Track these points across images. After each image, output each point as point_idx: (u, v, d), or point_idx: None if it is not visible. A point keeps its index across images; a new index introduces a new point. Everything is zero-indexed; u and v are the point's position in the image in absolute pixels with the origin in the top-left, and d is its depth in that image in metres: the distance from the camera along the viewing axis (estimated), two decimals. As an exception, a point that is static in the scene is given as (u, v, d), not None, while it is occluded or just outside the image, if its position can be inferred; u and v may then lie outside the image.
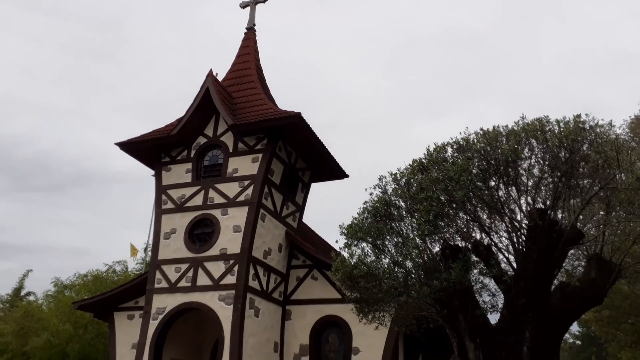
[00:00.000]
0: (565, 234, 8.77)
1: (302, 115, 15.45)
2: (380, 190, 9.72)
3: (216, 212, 15.80)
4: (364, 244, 9.59)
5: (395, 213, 9.44)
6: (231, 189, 15.90)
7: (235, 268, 14.93)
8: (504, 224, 9.22)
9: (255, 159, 16.00)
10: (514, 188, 8.97)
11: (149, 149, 17.23)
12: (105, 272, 24.96)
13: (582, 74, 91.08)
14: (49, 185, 77.20)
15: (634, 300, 17.67)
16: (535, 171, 8.92)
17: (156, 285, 15.67)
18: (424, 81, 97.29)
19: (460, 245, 9.51)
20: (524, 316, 8.88)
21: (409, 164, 9.57)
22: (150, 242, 20.27)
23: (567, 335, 30.60)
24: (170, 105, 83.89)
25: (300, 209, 18.23)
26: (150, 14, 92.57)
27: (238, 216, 15.49)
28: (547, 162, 8.72)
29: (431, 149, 9.50)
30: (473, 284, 9.53)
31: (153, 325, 15.21)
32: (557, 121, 8.66)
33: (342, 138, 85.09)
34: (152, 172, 17.54)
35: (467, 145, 9.06)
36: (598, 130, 8.57)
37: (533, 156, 8.82)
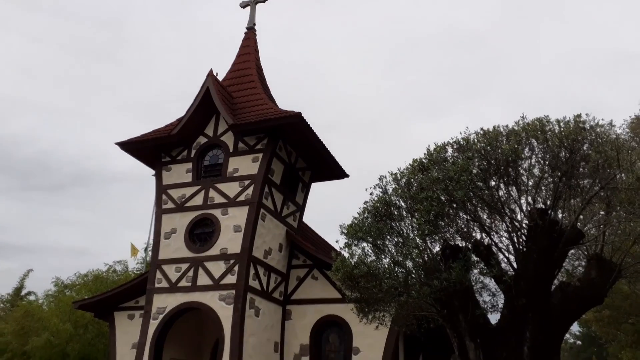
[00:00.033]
0: (566, 233, 8.77)
1: (302, 115, 15.46)
2: (380, 190, 9.72)
3: (216, 212, 15.80)
4: (365, 244, 9.59)
5: (396, 213, 9.43)
6: (231, 188, 15.91)
7: (236, 268, 14.93)
8: (504, 224, 9.22)
9: (255, 159, 16.00)
10: (514, 188, 8.96)
11: (149, 149, 17.23)
12: (105, 272, 24.97)
13: (582, 74, 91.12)
14: (49, 185, 77.29)
15: (635, 300, 17.67)
16: (536, 171, 8.92)
17: (156, 285, 15.67)
18: (424, 81, 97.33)
19: (460, 245, 9.50)
20: (524, 316, 8.88)
21: (409, 164, 9.57)
22: (151, 241, 20.30)
23: (567, 335, 30.63)
24: (170, 105, 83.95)
25: (301, 208, 18.23)
26: (150, 14, 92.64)
27: (238, 216, 15.49)
28: (547, 162, 8.72)
29: (431, 148, 9.50)
30: (473, 283, 9.53)
31: (153, 325, 15.21)
32: (558, 121, 8.65)
33: (342, 138, 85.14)
34: (153, 171, 17.55)
35: (467, 145, 9.06)
36: (598, 130, 8.57)
37: (533, 156, 8.82)
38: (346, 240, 9.70)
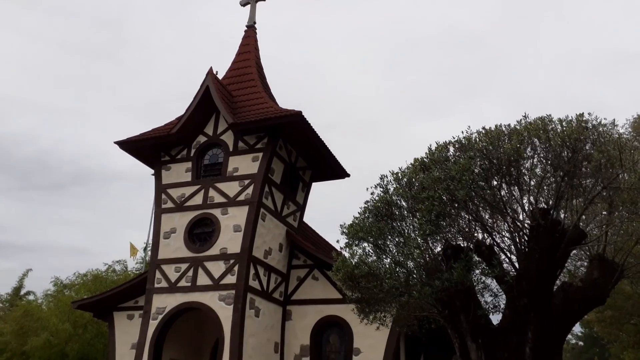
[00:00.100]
0: (568, 234, 8.71)
1: (303, 113, 15.39)
2: (381, 189, 9.66)
3: (216, 212, 15.74)
4: (365, 244, 9.53)
5: (397, 213, 9.37)
6: (231, 188, 15.84)
7: (236, 268, 14.87)
8: (506, 224, 9.16)
9: (255, 158, 15.94)
10: (516, 187, 8.90)
11: (148, 148, 17.17)
12: (104, 272, 24.92)
13: (582, 74, 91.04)
14: (49, 184, 77.28)
15: (637, 301, 17.61)
16: (538, 171, 8.86)
17: (156, 285, 15.61)
18: (424, 81, 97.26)
19: (462, 245, 9.45)
20: (526, 316, 8.83)
21: (411, 163, 9.51)
22: (150, 241, 20.24)
23: (569, 336, 30.53)
24: (170, 104, 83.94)
25: (301, 208, 18.17)
26: (150, 14, 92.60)
27: (238, 215, 15.43)
28: (549, 162, 8.66)
29: (433, 148, 9.44)
30: (475, 284, 9.47)
31: (153, 325, 15.15)
32: (560, 120, 8.59)
33: (343, 138, 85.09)
34: (152, 171, 17.49)
35: (469, 145, 9.00)
36: (601, 129, 8.51)
37: (535, 155, 8.76)
38: (347, 240, 9.65)
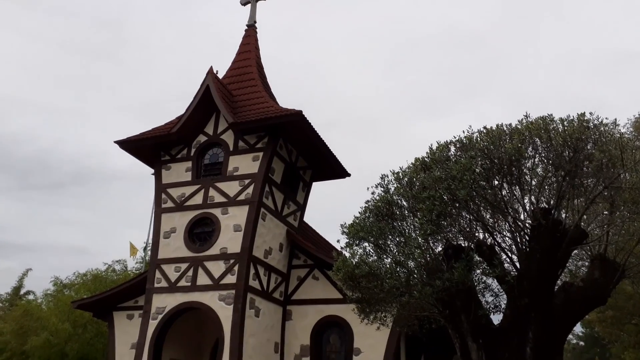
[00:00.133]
0: (569, 233, 8.68)
1: (303, 113, 15.36)
2: (382, 189, 9.62)
3: (216, 211, 15.71)
4: (366, 244, 9.49)
5: (398, 212, 9.34)
6: (231, 187, 15.82)
7: (236, 268, 14.84)
8: (507, 224, 9.13)
9: (255, 158, 15.91)
10: (517, 187, 8.86)
11: (148, 147, 17.15)
12: (104, 272, 24.91)
13: (582, 74, 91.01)
14: (49, 184, 77.27)
15: (638, 301, 17.59)
16: (539, 170, 8.82)
17: (156, 285, 15.58)
18: (424, 81, 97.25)
19: (463, 245, 9.41)
20: (527, 316, 8.79)
21: (412, 163, 9.47)
22: (150, 241, 20.21)
23: (570, 336, 30.49)
24: (170, 104, 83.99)
25: (302, 208, 18.14)
26: (150, 14, 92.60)
27: (238, 215, 15.40)
28: (550, 161, 8.61)
29: (434, 147, 9.40)
30: (476, 284, 9.43)
31: (152, 325, 15.13)
32: (561, 120, 8.55)
33: (343, 138, 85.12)
34: (152, 170, 17.46)
35: (470, 144, 8.95)
36: (602, 129, 8.46)
37: (537, 155, 8.71)
38: (347, 240, 9.61)
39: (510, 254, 9.21)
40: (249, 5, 19.91)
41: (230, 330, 14.22)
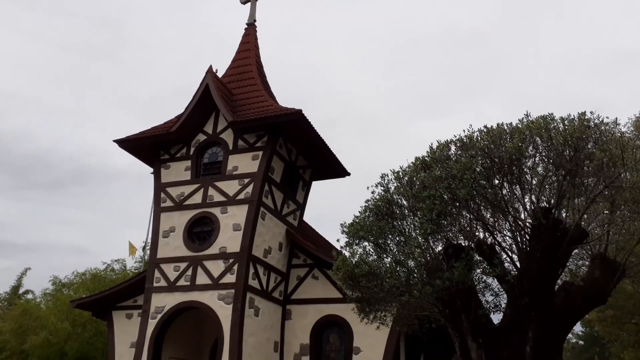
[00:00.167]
0: (570, 233, 8.67)
1: (303, 112, 15.33)
2: (382, 188, 9.61)
3: (216, 211, 15.69)
4: (366, 243, 9.48)
5: (398, 212, 9.32)
6: (231, 187, 15.79)
7: (235, 267, 14.81)
8: (507, 223, 9.12)
9: (255, 157, 15.88)
10: (517, 186, 8.85)
11: (147, 146, 17.11)
12: (103, 271, 24.88)
13: (582, 74, 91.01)
14: (48, 182, 77.22)
15: (638, 300, 17.58)
16: (540, 169, 8.81)
17: (155, 284, 15.56)
18: (424, 81, 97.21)
19: (463, 244, 9.40)
20: (527, 316, 8.78)
21: (412, 162, 9.46)
22: (149, 240, 20.17)
23: (570, 335, 30.57)
24: (171, 103, 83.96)
25: (301, 207, 18.12)
26: (151, 14, 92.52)
27: (238, 214, 15.37)
28: (551, 161, 8.60)
29: (434, 146, 9.38)
30: (476, 283, 9.43)
31: (152, 324, 15.10)
32: (562, 119, 8.54)
33: (343, 137, 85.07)
34: (152, 169, 17.42)
35: (470, 143, 8.94)
36: (603, 128, 8.46)
37: (537, 154, 8.70)
38: (347, 239, 9.60)
39: (510, 254, 9.20)
40: (249, 4, 19.88)
41: (229, 329, 14.20)
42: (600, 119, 8.48)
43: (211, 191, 15.98)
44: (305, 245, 16.70)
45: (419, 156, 9.45)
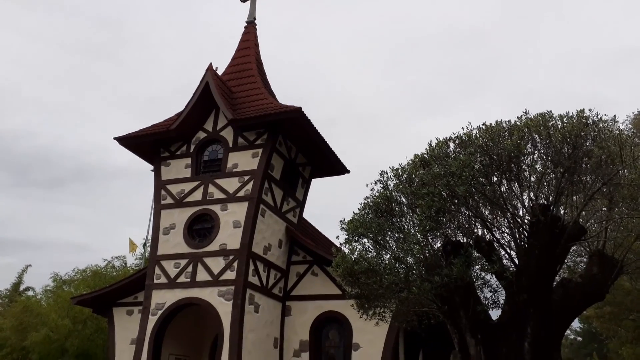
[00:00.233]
0: (568, 230, 8.70)
1: (303, 109, 15.36)
2: (381, 185, 9.64)
3: (216, 208, 15.73)
4: (365, 240, 9.52)
5: (397, 209, 9.36)
6: (231, 184, 15.83)
7: (235, 264, 14.86)
8: (506, 220, 9.16)
9: (255, 154, 15.91)
10: (516, 184, 8.89)
11: (148, 144, 17.14)
12: (104, 268, 24.92)
13: (582, 74, 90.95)
14: (49, 180, 77.24)
15: (636, 297, 17.63)
16: (538, 167, 8.85)
17: (155, 281, 15.61)
18: (424, 81, 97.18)
19: (461, 241, 9.44)
20: (525, 312, 8.83)
21: (411, 159, 9.49)
22: (149, 237, 20.20)
23: (568, 331, 30.61)
24: (171, 102, 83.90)
25: (301, 204, 18.16)
26: (151, 14, 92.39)
27: (238, 211, 15.42)
28: (550, 158, 8.64)
29: (433, 144, 9.42)
30: (474, 279, 9.47)
31: (152, 321, 15.16)
32: (561, 116, 8.57)
33: (343, 137, 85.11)
34: (152, 167, 17.45)
35: (469, 141, 8.97)
36: (601, 125, 8.49)
37: (536, 151, 8.74)
38: (347, 236, 9.64)
39: (509, 250, 9.24)
40: (249, 2, 19.88)
41: (229, 325, 14.26)
42: (599, 117, 8.52)
43: (211, 188, 16.02)
44: (305, 242, 16.76)
45: (417, 153, 9.49)
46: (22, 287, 29.11)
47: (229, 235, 15.26)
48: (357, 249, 9.56)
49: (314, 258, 16.63)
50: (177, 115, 16.92)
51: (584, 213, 9.14)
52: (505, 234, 9.28)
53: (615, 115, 8.62)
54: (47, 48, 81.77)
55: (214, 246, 15.32)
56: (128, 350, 16.42)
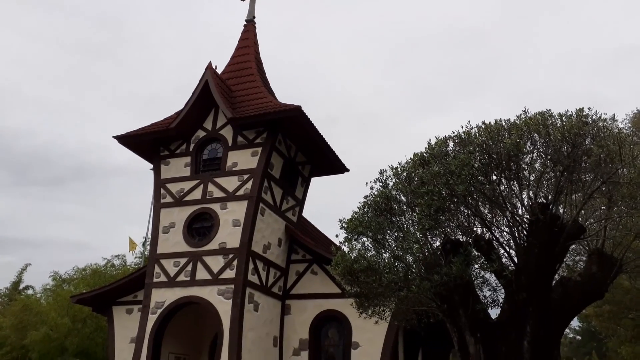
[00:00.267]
0: (567, 228, 8.72)
1: (302, 108, 15.35)
2: (381, 184, 9.66)
3: (215, 206, 15.73)
4: (365, 239, 9.53)
5: (396, 207, 9.37)
6: (230, 182, 15.82)
7: (235, 262, 14.87)
8: (505, 219, 9.17)
9: (254, 153, 15.91)
10: (515, 182, 8.90)
11: (147, 143, 17.13)
12: (103, 266, 24.93)
13: (582, 74, 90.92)
14: (49, 179, 77.21)
15: (635, 295, 17.64)
16: (537, 165, 8.86)
17: (155, 280, 15.61)
18: (424, 80, 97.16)
19: (461, 239, 9.45)
20: (524, 311, 8.84)
21: (410, 158, 9.50)
22: (149, 236, 20.21)
23: (567, 330, 30.64)
24: (171, 101, 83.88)
25: (300, 203, 18.16)
26: (150, 14, 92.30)
27: (237, 210, 15.42)
28: (549, 156, 8.65)
29: (432, 142, 9.42)
30: (474, 278, 9.49)
31: (152, 320, 15.16)
32: (560, 115, 8.57)
33: (343, 136, 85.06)
34: (151, 165, 17.45)
35: (468, 139, 8.98)
36: (600, 124, 8.50)
37: (535, 150, 8.75)
38: (346, 235, 9.65)
39: (508, 249, 9.26)
40: (248, 1, 19.85)
41: (229, 324, 14.27)
42: (598, 115, 8.52)
43: (211, 187, 16.02)
44: (305, 241, 16.76)
45: (417, 152, 9.50)
46: (21, 286, 29.13)
47: (228, 234, 15.26)
48: (357, 248, 9.57)
49: (313, 257, 16.63)
50: (176, 113, 16.92)
51: (583, 212, 9.15)
52: (505, 233, 9.30)
53: (614, 114, 8.64)
54: (47, 48, 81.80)
55: (213, 245, 15.32)
56: (128, 348, 16.43)
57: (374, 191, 9.69)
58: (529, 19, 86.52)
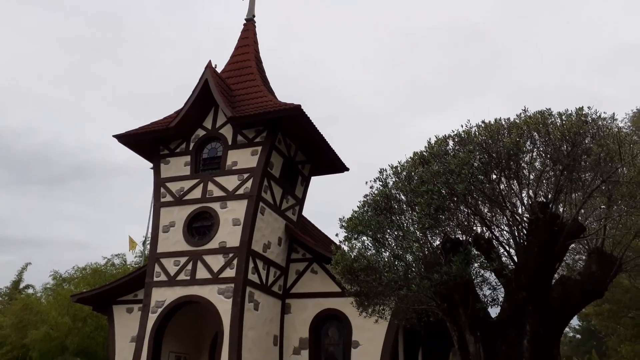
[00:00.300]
0: (567, 227, 8.73)
1: (302, 107, 15.35)
2: (380, 183, 9.67)
3: (215, 205, 15.73)
4: (364, 238, 9.55)
5: (396, 206, 9.38)
6: (230, 182, 15.83)
7: (235, 261, 14.88)
8: (505, 218, 9.18)
9: (254, 152, 15.91)
10: (515, 181, 8.91)
11: (147, 142, 17.13)
12: (104, 266, 24.94)
13: (582, 74, 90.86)
14: (49, 178, 77.22)
15: (635, 294, 17.64)
16: (537, 164, 8.87)
17: (155, 279, 15.62)
18: (424, 80, 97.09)
19: (461, 238, 9.46)
20: (524, 310, 8.86)
21: (410, 157, 9.51)
22: (149, 235, 20.21)
23: (567, 329, 30.67)
24: (170, 102, 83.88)
25: (300, 202, 18.17)
26: (150, 14, 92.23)
27: (237, 209, 15.42)
28: (549, 155, 8.66)
29: (432, 141, 9.43)
30: (474, 277, 9.51)
31: (152, 319, 15.18)
32: (560, 114, 8.58)
33: (343, 135, 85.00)
34: (151, 164, 17.45)
35: (468, 138, 8.99)
36: (600, 123, 8.51)
37: (535, 149, 8.76)
38: (346, 234, 9.66)
39: (508, 248, 9.27)
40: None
41: (229, 323, 14.28)
42: (598, 114, 8.53)
43: (211, 186, 16.02)
44: (305, 240, 16.77)
45: (417, 151, 9.51)
46: (22, 285, 29.14)
47: (228, 233, 15.27)
48: (357, 247, 9.59)
49: (313, 256, 16.64)
50: (176, 112, 16.91)
51: (582, 211, 9.16)
52: (505, 232, 9.31)
53: (614, 113, 8.65)
54: (47, 47, 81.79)
55: (213, 244, 15.33)
56: (128, 347, 16.44)
57: (373, 190, 9.70)
58: (529, 19, 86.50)
